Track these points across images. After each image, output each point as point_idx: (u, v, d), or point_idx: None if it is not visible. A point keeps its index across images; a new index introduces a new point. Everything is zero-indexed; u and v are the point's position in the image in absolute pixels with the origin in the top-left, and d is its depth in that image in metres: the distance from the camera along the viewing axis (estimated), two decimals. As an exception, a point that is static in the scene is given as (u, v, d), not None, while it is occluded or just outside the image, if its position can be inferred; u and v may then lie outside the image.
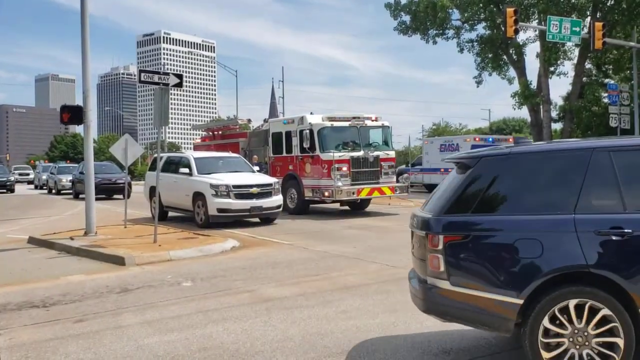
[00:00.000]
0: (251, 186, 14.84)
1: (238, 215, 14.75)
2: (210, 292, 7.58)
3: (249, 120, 26.46)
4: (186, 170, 15.71)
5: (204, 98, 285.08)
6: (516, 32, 23.66)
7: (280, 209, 15.63)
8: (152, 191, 16.33)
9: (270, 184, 15.32)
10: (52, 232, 13.45)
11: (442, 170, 29.35)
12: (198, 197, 14.98)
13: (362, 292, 7.29)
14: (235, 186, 14.63)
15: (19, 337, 5.72)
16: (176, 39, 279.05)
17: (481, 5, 30.90)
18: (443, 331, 5.52)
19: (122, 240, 12.04)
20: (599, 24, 24.49)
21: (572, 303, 3.99)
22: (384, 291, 7.32)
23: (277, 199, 15.34)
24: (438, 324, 5.76)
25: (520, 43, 31.32)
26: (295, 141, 17.91)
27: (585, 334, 3.99)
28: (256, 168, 17.24)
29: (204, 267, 9.42)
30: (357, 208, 18.94)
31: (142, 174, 68.30)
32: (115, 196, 27.10)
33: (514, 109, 34.37)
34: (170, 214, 17.14)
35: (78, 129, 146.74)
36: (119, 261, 9.85)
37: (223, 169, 16.04)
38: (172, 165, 16.73)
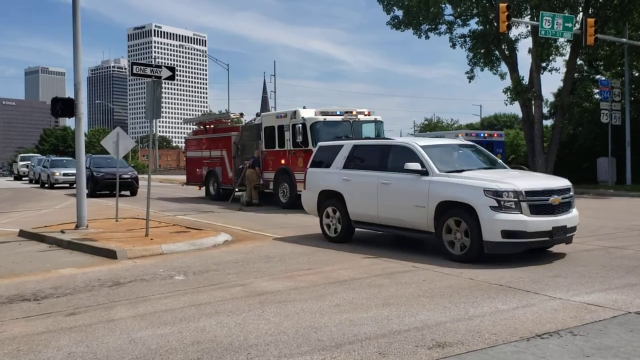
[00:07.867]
0: (551, 192, 9.04)
1: (535, 241, 8.75)
2: (203, 285, 7.56)
3: (241, 114, 26.34)
4: (415, 166, 9.70)
5: (195, 92, 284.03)
6: (509, 27, 23.69)
7: (576, 230, 9.58)
8: (329, 199, 11.40)
9: (569, 188, 9.53)
10: (43, 225, 13.37)
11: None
12: (451, 210, 9.16)
13: (355, 286, 7.29)
14: (528, 192, 8.75)
15: (11, 331, 5.67)
16: (167, 32, 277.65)
17: (474, 0, 30.90)
18: (437, 324, 5.52)
19: (114, 233, 11.98)
20: (591, 20, 24.59)
21: None
22: (376, 285, 7.33)
23: (575, 214, 9.50)
24: (432, 317, 5.79)
25: (513, 38, 31.34)
26: (287, 135, 17.87)
27: None
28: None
29: (196, 260, 9.39)
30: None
31: (136, 168, 67.71)
32: (121, 192, 26.76)
33: (506, 104, 34.44)
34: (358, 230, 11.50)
35: (68, 122, 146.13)
36: (110, 255, 9.80)
37: (466, 165, 10.20)
38: (371, 160, 11.01)
